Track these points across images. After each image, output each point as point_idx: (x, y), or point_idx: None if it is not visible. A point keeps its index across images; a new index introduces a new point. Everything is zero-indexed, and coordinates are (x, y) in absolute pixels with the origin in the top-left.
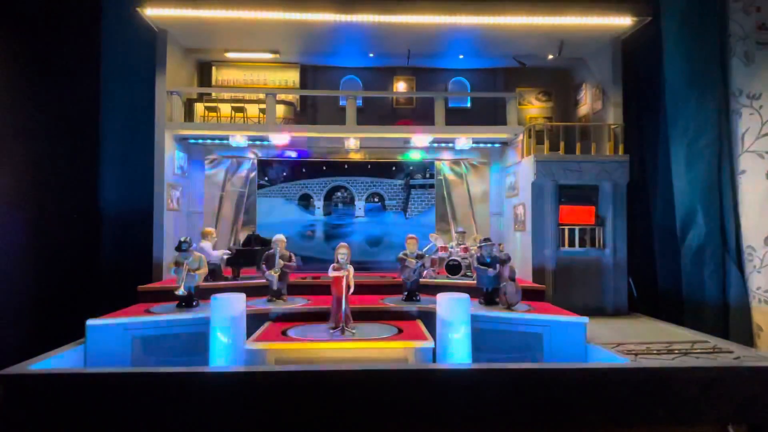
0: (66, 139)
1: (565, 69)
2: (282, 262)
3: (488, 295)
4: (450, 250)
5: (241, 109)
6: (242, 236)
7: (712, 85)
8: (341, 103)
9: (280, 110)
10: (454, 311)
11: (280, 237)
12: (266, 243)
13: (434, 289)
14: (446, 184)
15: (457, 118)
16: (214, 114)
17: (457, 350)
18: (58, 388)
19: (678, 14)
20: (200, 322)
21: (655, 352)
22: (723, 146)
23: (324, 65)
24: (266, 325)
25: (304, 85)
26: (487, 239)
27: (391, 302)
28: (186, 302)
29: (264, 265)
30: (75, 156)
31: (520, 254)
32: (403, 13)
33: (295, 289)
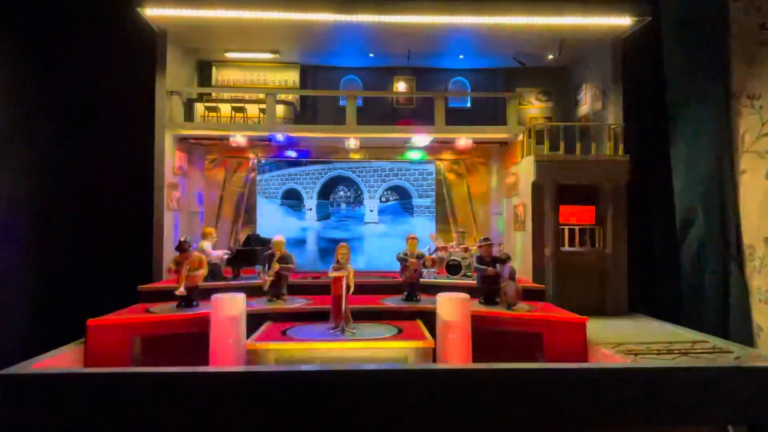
0: (66, 139)
1: (565, 69)
2: (277, 265)
3: (488, 295)
4: (450, 250)
5: (241, 109)
6: (242, 236)
7: (711, 85)
8: (341, 103)
9: (280, 110)
10: (454, 311)
11: (279, 239)
12: (266, 243)
13: (434, 289)
14: (446, 184)
15: (457, 118)
16: (214, 114)
17: (457, 350)
18: (58, 388)
19: (678, 14)
20: (200, 322)
21: (655, 352)
22: (723, 146)
23: (324, 65)
24: (266, 325)
25: (304, 85)
26: (486, 239)
27: (391, 302)
28: (186, 302)
29: (265, 266)
30: (75, 156)
31: (520, 254)
32: (403, 13)
33: (295, 289)
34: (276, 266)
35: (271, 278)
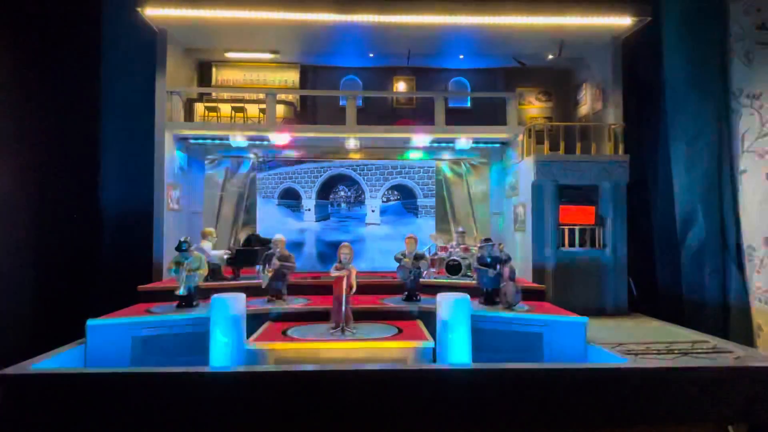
0: (66, 139)
1: (565, 69)
2: (278, 263)
3: (488, 295)
4: (450, 250)
5: (241, 109)
6: (242, 236)
7: (712, 85)
8: (341, 103)
9: (280, 110)
10: (454, 311)
11: (279, 237)
12: (266, 243)
13: (434, 289)
14: (446, 184)
15: (457, 118)
16: (214, 114)
17: (457, 350)
18: (58, 388)
19: (678, 14)
20: (200, 322)
21: (655, 352)
22: (723, 146)
23: (324, 65)
24: (266, 325)
25: (304, 85)
26: (487, 239)
27: (391, 302)
28: (186, 302)
29: (265, 265)
30: (75, 156)
31: (520, 254)
32: (403, 13)
33: (295, 289)
34: (276, 263)
35: (270, 273)
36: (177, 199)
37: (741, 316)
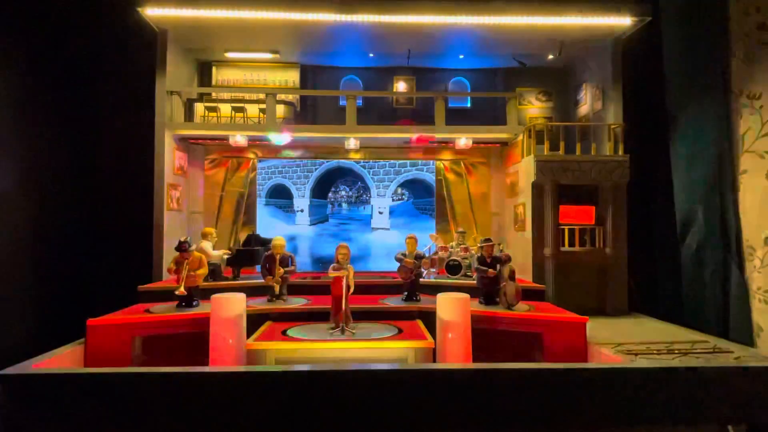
0: (66, 139)
1: (565, 69)
2: (282, 269)
3: (488, 295)
4: (450, 250)
5: (241, 109)
6: (242, 236)
7: (712, 85)
8: (341, 103)
9: (280, 110)
10: (454, 311)
11: (279, 241)
12: (266, 243)
13: (434, 289)
14: (446, 184)
15: (457, 118)
16: (214, 114)
17: (457, 350)
18: (59, 388)
19: (678, 14)
20: (200, 322)
21: (655, 352)
22: (723, 146)
23: (324, 65)
24: (266, 325)
25: (304, 85)
26: (487, 239)
27: (391, 302)
28: (186, 302)
29: (265, 269)
30: (75, 156)
31: (520, 254)
32: (403, 13)
33: (295, 289)
34: (281, 270)
35: (278, 283)
36: (177, 199)
37: (741, 316)
